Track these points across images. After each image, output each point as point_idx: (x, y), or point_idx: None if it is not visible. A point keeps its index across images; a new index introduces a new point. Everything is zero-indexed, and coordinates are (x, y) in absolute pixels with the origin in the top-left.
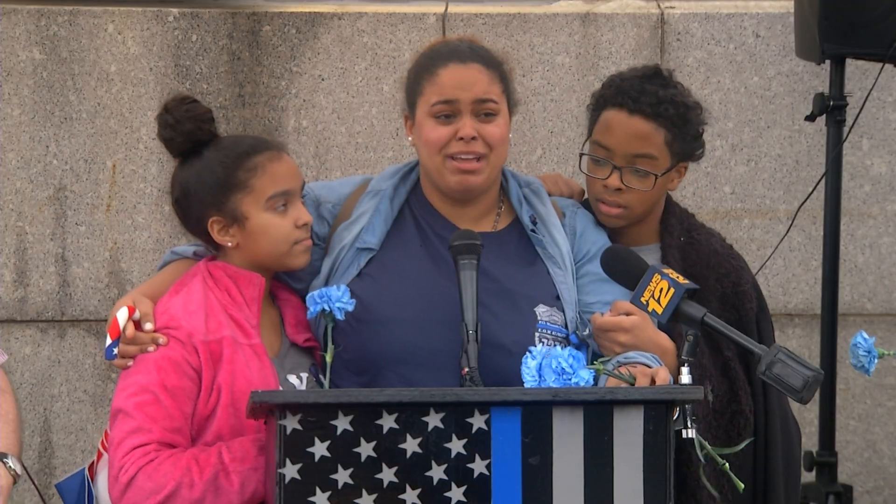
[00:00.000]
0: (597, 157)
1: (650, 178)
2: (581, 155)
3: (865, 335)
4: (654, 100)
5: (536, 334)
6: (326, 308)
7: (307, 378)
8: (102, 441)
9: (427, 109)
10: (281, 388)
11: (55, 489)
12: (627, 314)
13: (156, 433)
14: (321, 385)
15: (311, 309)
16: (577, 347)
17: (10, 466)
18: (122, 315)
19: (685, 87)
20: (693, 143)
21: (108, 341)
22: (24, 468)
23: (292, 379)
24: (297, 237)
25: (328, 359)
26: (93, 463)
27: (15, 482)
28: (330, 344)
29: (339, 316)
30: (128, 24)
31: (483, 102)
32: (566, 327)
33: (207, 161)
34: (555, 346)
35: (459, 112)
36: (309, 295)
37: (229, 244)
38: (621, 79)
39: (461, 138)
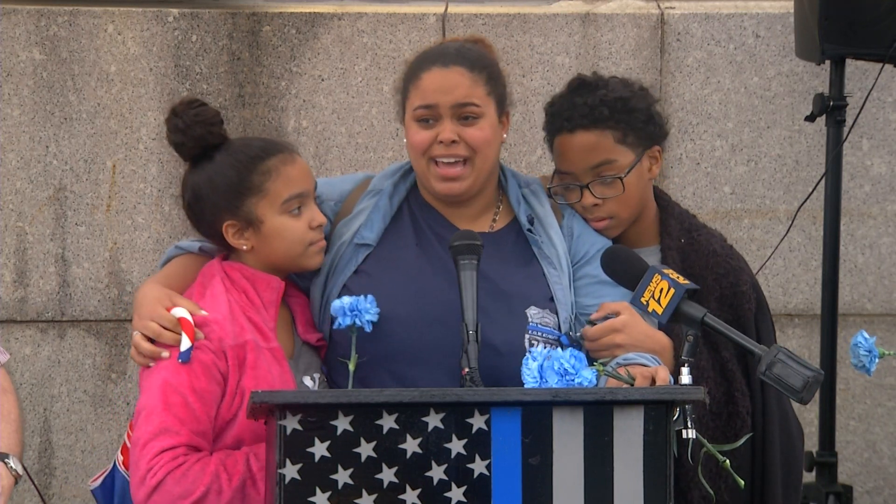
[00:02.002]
0: (564, 185)
1: (617, 181)
2: (549, 189)
3: (866, 335)
4: (585, 110)
5: (527, 336)
6: (358, 322)
7: (319, 378)
8: (129, 433)
9: (411, 113)
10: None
11: (82, 490)
12: (617, 314)
13: (184, 435)
14: (333, 384)
15: (340, 320)
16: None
17: (11, 467)
18: (188, 315)
19: (621, 79)
20: (648, 126)
21: (186, 345)
22: (25, 468)
23: (306, 381)
24: (311, 239)
25: (351, 367)
26: (119, 459)
27: (16, 482)
28: (353, 353)
29: (368, 329)
30: (128, 24)
31: (463, 106)
32: (559, 329)
33: (219, 165)
34: (550, 347)
35: (440, 116)
36: (338, 304)
37: (244, 247)
38: (551, 104)
39: (441, 142)
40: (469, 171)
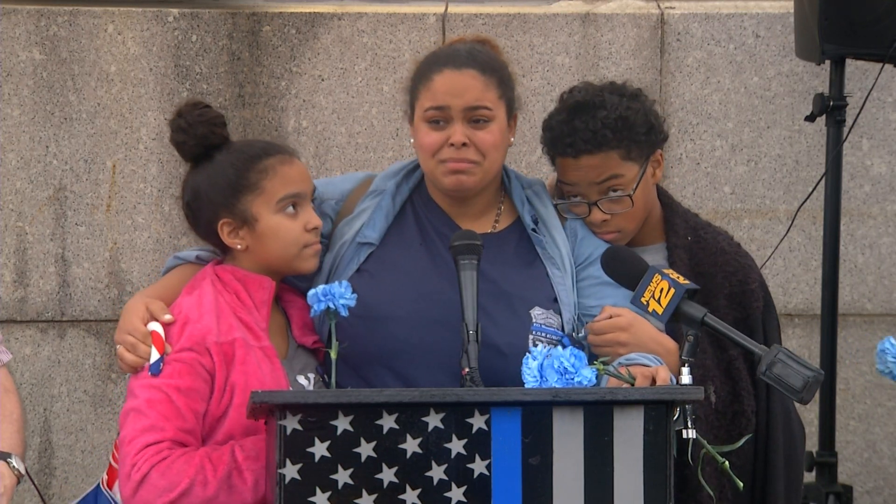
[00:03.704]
0: (572, 202)
1: (626, 198)
2: (556, 205)
3: (893, 340)
4: (588, 135)
5: (531, 336)
6: (331, 306)
7: (314, 378)
8: (114, 453)
9: (421, 114)
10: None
11: None
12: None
13: (169, 431)
14: (327, 385)
15: (315, 307)
16: None
17: (13, 466)
18: (160, 328)
19: (615, 88)
20: (649, 136)
21: (155, 356)
22: (26, 468)
23: (301, 380)
24: (306, 240)
25: (333, 356)
26: (104, 480)
27: (19, 482)
28: (334, 341)
29: (344, 313)
30: (128, 24)
31: (475, 109)
32: (562, 330)
33: (219, 164)
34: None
35: (451, 118)
36: (311, 292)
37: (239, 247)
38: (550, 127)
39: (452, 145)
40: (476, 170)
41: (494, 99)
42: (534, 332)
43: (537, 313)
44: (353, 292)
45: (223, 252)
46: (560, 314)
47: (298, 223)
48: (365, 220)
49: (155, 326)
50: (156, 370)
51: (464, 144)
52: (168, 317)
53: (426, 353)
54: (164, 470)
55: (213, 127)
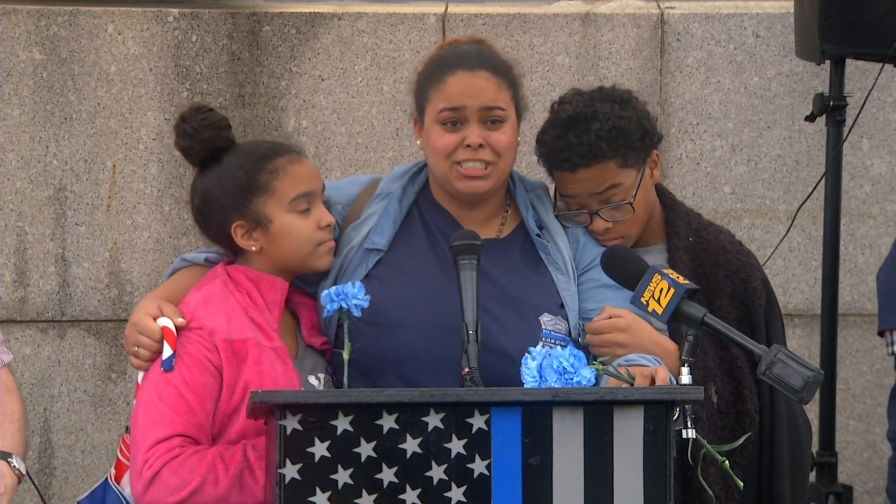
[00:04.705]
0: (573, 212)
1: (627, 205)
2: (557, 216)
3: None
4: (583, 149)
5: (541, 343)
6: (344, 306)
7: (324, 378)
8: (121, 448)
9: (434, 116)
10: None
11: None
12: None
13: (178, 425)
14: (339, 384)
15: (328, 307)
16: None
17: (14, 466)
18: (171, 324)
19: (605, 95)
20: (643, 140)
21: (168, 353)
22: (26, 468)
23: (312, 380)
24: (320, 238)
25: (345, 356)
26: (111, 474)
27: (19, 481)
28: (347, 342)
29: (357, 313)
30: (128, 24)
31: (490, 110)
32: (570, 335)
33: (227, 167)
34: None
35: (466, 119)
36: (325, 293)
37: (253, 248)
38: (545, 143)
39: (468, 146)
40: (492, 172)
41: (507, 100)
42: (543, 339)
43: (546, 320)
44: (365, 294)
45: (234, 254)
46: (567, 320)
47: (311, 221)
48: (372, 226)
49: (166, 322)
50: (168, 366)
51: (480, 146)
52: (181, 320)
53: (436, 358)
54: (176, 468)
55: (218, 130)
